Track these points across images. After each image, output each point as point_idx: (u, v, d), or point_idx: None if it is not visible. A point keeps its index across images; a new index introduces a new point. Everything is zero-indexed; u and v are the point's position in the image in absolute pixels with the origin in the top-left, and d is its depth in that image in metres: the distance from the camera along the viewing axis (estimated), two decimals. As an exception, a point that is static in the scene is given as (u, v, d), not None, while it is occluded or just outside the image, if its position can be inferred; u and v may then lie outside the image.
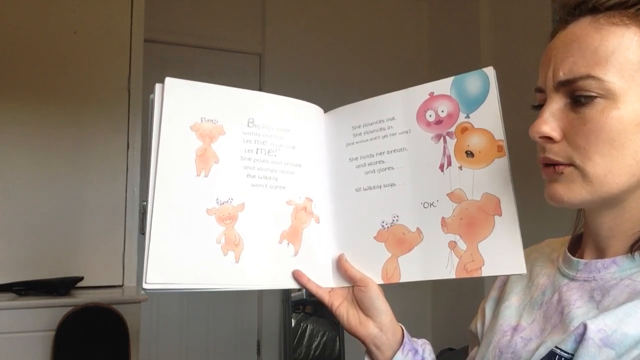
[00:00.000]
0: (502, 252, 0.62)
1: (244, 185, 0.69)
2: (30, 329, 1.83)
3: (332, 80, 3.05)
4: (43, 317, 1.83)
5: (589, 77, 0.52)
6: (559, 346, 0.52)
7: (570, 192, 0.55)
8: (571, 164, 0.54)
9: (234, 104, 0.71)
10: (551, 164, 0.56)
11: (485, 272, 0.63)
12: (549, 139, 0.55)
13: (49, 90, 2.16)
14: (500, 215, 0.63)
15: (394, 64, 3.17)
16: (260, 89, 3.02)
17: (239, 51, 2.99)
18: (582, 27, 0.55)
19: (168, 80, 0.69)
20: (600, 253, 0.59)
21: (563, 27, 0.57)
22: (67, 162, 2.18)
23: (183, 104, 0.68)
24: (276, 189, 0.71)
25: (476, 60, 2.83)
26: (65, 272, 2.05)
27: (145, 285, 0.62)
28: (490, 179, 0.64)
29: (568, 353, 0.51)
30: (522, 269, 0.61)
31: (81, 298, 1.93)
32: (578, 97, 0.53)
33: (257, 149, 0.71)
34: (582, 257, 0.61)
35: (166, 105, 0.67)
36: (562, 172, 0.55)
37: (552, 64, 0.56)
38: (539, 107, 0.58)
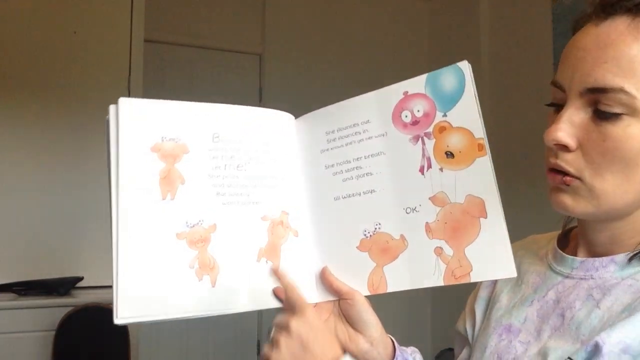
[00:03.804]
0: (491, 256, 0.60)
1: (214, 204, 0.66)
2: (30, 329, 1.84)
3: (332, 80, 3.04)
4: (43, 317, 1.84)
5: (621, 90, 0.49)
6: (573, 357, 0.52)
7: (577, 204, 0.54)
8: (579, 178, 0.53)
9: (196, 120, 0.68)
10: (560, 172, 0.54)
11: (475, 277, 0.61)
12: (564, 146, 0.53)
13: (49, 90, 2.16)
14: (486, 217, 0.61)
15: (394, 63, 3.17)
16: (260, 89, 3.03)
17: (239, 51, 2.99)
18: (619, 31, 0.51)
19: (122, 100, 0.64)
20: (596, 253, 0.59)
21: (595, 23, 0.53)
22: (67, 162, 2.18)
23: (141, 124, 0.65)
24: (249, 205, 0.68)
25: (476, 59, 2.83)
26: (65, 272, 2.05)
27: (116, 321, 0.59)
28: (473, 180, 0.62)
29: None
30: (512, 272, 0.59)
31: (81, 298, 1.93)
32: (603, 111, 0.51)
33: (225, 165, 0.67)
34: (574, 254, 0.61)
35: (122, 127, 0.63)
36: (569, 185, 0.54)
37: (582, 66, 0.52)
38: (555, 105, 0.56)
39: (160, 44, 2.74)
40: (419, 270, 0.64)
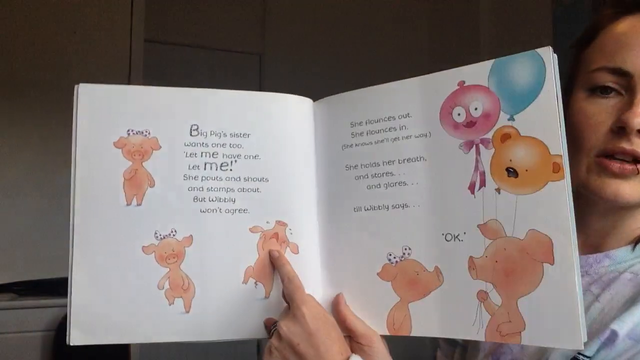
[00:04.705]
0: (552, 316, 0.47)
1: (190, 212, 0.55)
2: (30, 329, 1.84)
3: (333, 80, 3.04)
4: (43, 317, 1.84)
5: None
6: (582, 352, 0.51)
7: (636, 192, 0.53)
8: None
9: (171, 109, 0.57)
10: (629, 160, 0.52)
11: (527, 339, 0.48)
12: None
13: (49, 90, 2.16)
14: (552, 263, 0.47)
15: (394, 64, 3.17)
16: (260, 89, 3.02)
17: (239, 51, 2.99)
18: None
19: (82, 87, 0.56)
20: (592, 249, 0.59)
21: None
22: (68, 162, 2.18)
23: (102, 114, 0.56)
24: (234, 214, 0.56)
25: (476, 59, 2.82)
26: (65, 272, 2.05)
27: (69, 343, 0.53)
28: (541, 211, 0.48)
29: (587, 356, 0.51)
30: (578, 342, 0.46)
31: (81, 298, 1.93)
32: None
33: (205, 164, 0.56)
34: None
35: (81, 118, 0.55)
36: (639, 173, 0.52)
37: None
38: (604, 89, 0.55)
39: (160, 44, 2.74)
40: (454, 315, 0.51)
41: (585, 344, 0.51)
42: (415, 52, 3.32)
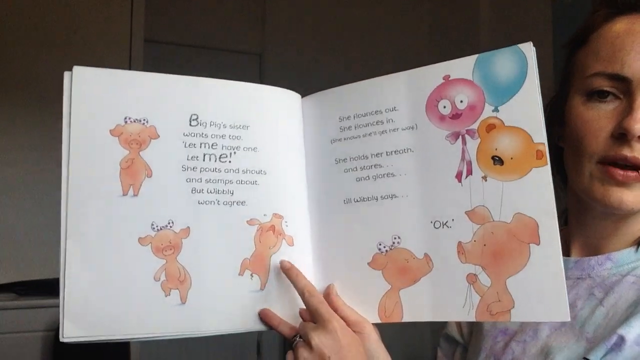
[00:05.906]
0: (539, 293, 0.49)
1: (187, 203, 0.55)
2: (30, 329, 1.84)
3: (333, 80, 3.03)
4: (43, 317, 1.84)
5: None
6: (588, 357, 0.51)
7: (636, 199, 0.52)
8: None
9: (170, 97, 0.57)
10: (632, 167, 0.52)
11: (516, 316, 0.50)
12: None
13: (49, 90, 2.16)
14: (538, 243, 0.49)
15: (395, 63, 3.17)
16: (260, 89, 3.02)
17: (239, 51, 2.99)
18: None
19: (76, 69, 0.53)
20: (593, 251, 0.59)
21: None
22: (67, 162, 2.18)
23: (99, 100, 0.53)
24: (232, 206, 0.56)
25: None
26: (65, 272, 2.05)
27: (62, 339, 0.51)
28: (525, 195, 0.50)
29: None
30: (565, 315, 0.48)
31: (81, 298, 1.93)
32: None
33: (204, 155, 0.56)
34: (566, 255, 0.60)
35: (76, 103, 0.52)
36: None
37: None
38: (602, 94, 0.54)
39: (160, 44, 2.74)
40: (445, 299, 0.53)
41: (592, 349, 0.51)
42: (416, 51, 3.32)
